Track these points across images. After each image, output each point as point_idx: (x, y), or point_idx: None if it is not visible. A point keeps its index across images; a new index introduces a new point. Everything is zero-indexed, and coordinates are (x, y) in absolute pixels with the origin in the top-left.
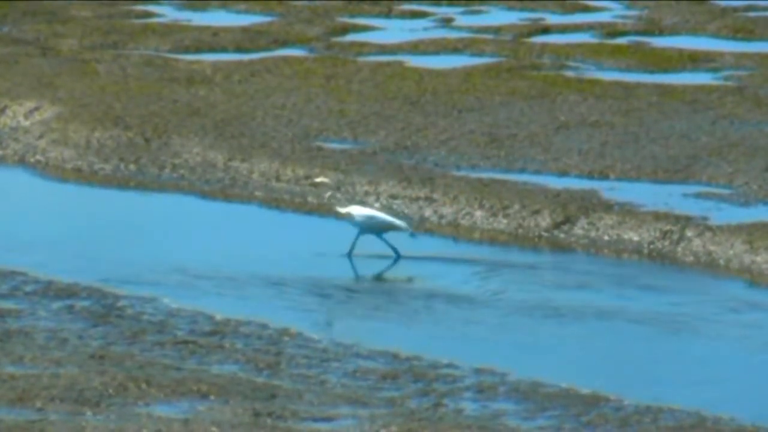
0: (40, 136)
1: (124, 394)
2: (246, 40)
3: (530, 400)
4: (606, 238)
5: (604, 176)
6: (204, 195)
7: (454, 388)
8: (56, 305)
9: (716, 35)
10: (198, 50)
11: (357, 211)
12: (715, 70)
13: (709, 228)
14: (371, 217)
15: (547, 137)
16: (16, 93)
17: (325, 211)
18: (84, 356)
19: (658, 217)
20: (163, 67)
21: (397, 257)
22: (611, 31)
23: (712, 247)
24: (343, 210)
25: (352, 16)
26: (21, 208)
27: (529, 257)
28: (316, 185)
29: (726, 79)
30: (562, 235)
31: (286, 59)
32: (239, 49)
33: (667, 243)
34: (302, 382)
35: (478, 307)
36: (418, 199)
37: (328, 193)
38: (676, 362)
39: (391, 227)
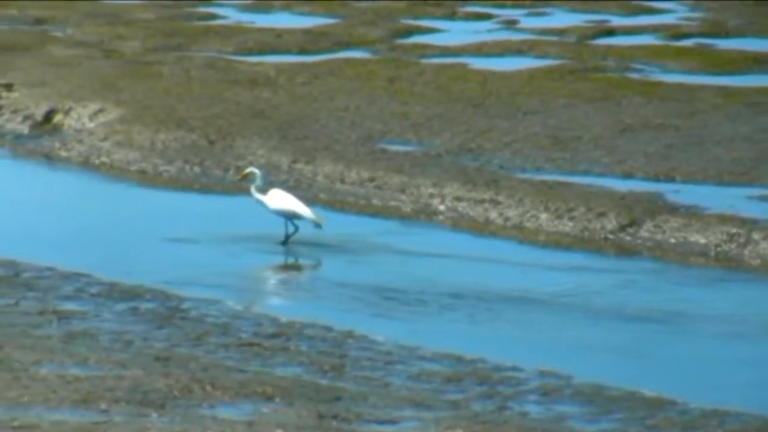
0: (105, 138)
1: (189, 395)
2: (309, 41)
3: (594, 403)
4: (672, 240)
5: (669, 179)
6: None
7: (519, 390)
8: (120, 307)
9: None
10: (261, 52)
11: (272, 198)
12: None
13: None
14: (283, 206)
15: (611, 139)
16: (79, 95)
17: (390, 213)
18: (148, 358)
19: (723, 219)
20: (226, 69)
21: (286, 239)
22: (675, 33)
23: None
24: (259, 195)
25: (416, 18)
26: (86, 210)
27: (594, 260)
28: (244, 176)
29: None
30: (627, 238)
31: (348, 61)
32: (302, 51)
33: (733, 246)
34: (366, 385)
35: (541, 310)
36: (483, 201)
37: (249, 171)
38: (742, 366)
39: (300, 216)
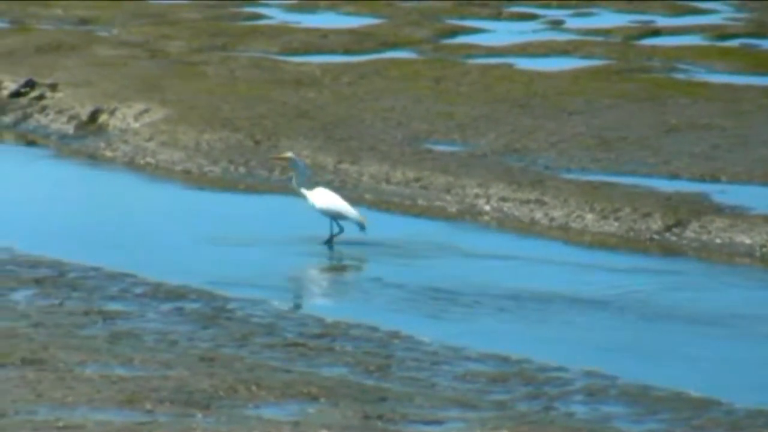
0: (150, 138)
1: (234, 396)
2: (354, 42)
3: (640, 404)
4: (717, 241)
5: (714, 179)
6: None
7: (564, 391)
8: (165, 307)
9: None
10: (306, 52)
11: (318, 197)
12: None
13: None
14: (329, 206)
15: (657, 140)
16: (124, 95)
17: (435, 213)
18: (193, 358)
19: None
20: (271, 69)
21: (330, 240)
22: (721, 33)
23: None
24: (304, 192)
25: (462, 18)
26: (131, 210)
27: (639, 260)
28: (280, 160)
29: None
30: (673, 238)
31: (394, 61)
32: (347, 51)
33: None
34: (412, 385)
35: (586, 310)
36: (528, 201)
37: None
38: None
39: (345, 217)
